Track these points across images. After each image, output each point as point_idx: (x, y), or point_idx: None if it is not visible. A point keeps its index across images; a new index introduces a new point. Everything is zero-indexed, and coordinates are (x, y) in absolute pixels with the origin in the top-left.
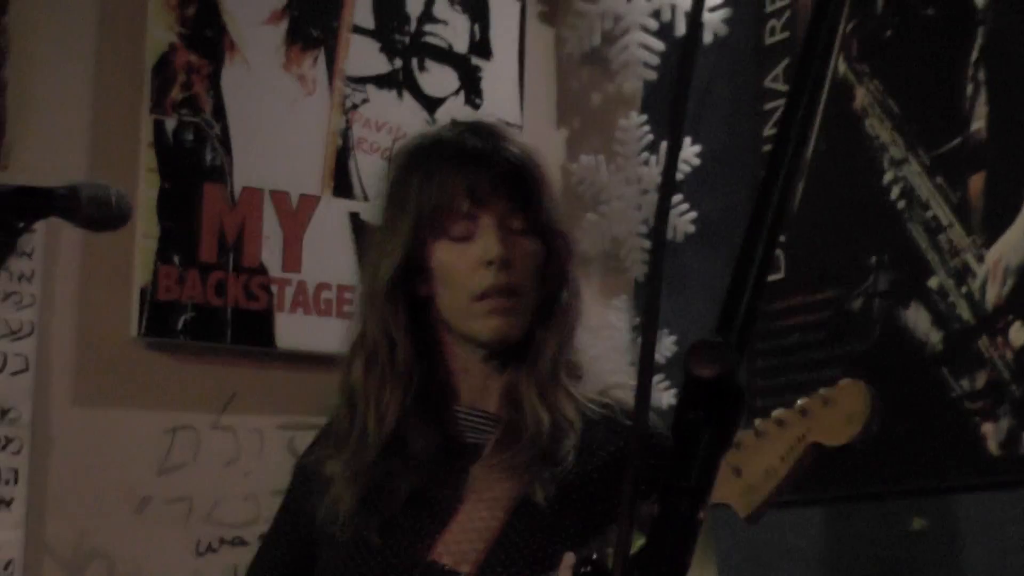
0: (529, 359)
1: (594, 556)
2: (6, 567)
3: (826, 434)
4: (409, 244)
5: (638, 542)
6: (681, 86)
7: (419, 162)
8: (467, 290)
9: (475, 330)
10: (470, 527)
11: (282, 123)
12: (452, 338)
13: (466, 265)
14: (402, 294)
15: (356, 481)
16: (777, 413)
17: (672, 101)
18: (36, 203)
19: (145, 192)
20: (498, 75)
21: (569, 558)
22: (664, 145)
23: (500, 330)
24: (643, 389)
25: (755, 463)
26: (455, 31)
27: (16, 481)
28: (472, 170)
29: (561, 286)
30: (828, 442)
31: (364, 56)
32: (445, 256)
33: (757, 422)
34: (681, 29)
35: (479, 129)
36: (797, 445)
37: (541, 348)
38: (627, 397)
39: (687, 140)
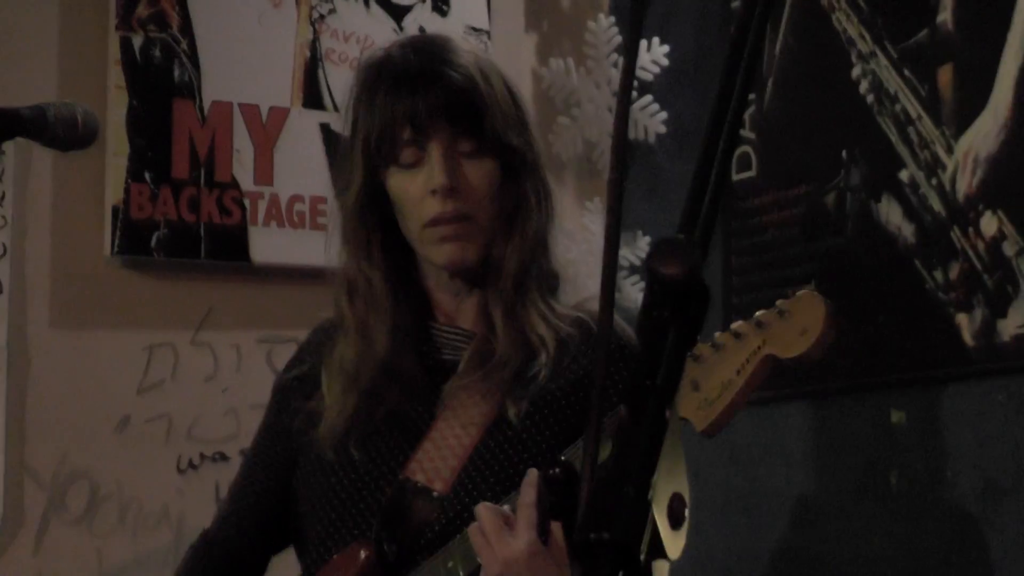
0: (492, 278)
1: (563, 458)
2: None
3: (781, 346)
4: (365, 172)
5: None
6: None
7: (366, 87)
8: (418, 217)
9: (431, 255)
10: (443, 445)
11: (250, 36)
12: (420, 260)
13: (415, 193)
14: (373, 219)
15: (343, 393)
16: (735, 326)
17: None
18: (2, 124)
19: (114, 110)
20: None
21: (532, 474)
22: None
23: (453, 256)
24: (608, 293)
25: (713, 376)
26: None
27: None
28: (411, 96)
29: (520, 203)
30: (782, 354)
31: None
32: (396, 183)
33: (716, 335)
34: None
35: (423, 48)
36: (753, 357)
37: (503, 264)
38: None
39: (656, 40)
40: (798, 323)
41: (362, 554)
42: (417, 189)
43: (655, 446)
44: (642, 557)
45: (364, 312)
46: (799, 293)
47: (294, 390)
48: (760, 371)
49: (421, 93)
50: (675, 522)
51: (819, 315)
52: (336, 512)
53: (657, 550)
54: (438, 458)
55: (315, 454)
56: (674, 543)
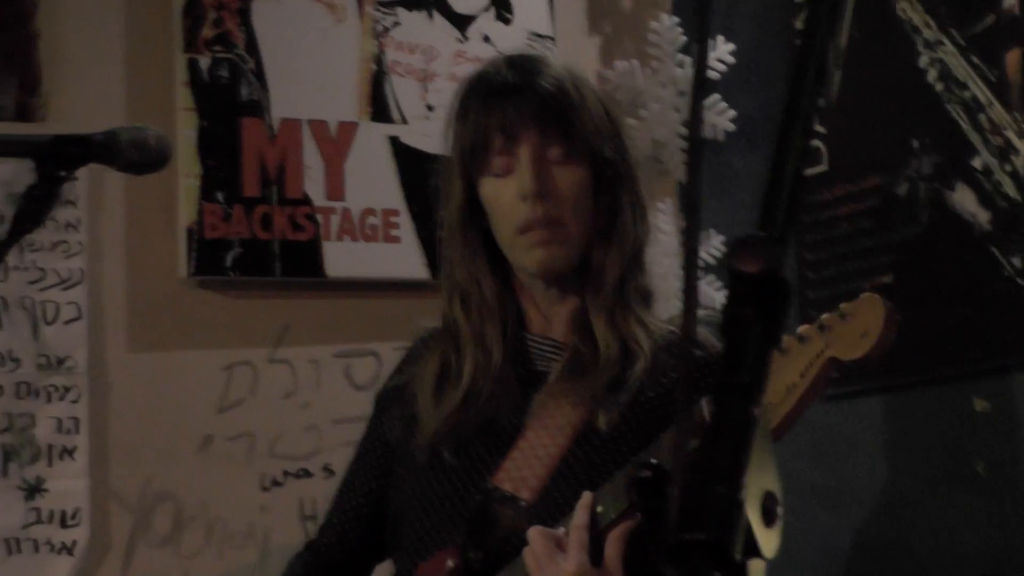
0: (592, 285)
1: (652, 460)
2: (73, 516)
3: (842, 348)
4: (462, 184)
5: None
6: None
7: (462, 103)
8: (510, 223)
9: (523, 262)
10: (532, 454)
11: (315, 53)
12: (514, 267)
13: (507, 200)
14: (474, 230)
15: (442, 399)
16: (801, 329)
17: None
18: (76, 151)
19: (184, 131)
20: None
21: (586, 496)
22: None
23: (544, 262)
24: (690, 291)
25: (778, 380)
26: None
27: (77, 430)
28: (501, 105)
29: (616, 209)
30: (844, 356)
31: None
32: (489, 192)
33: (784, 339)
34: None
35: (516, 62)
36: (816, 360)
37: (603, 273)
38: (699, 330)
39: (720, 39)
40: (859, 325)
41: (448, 563)
42: (509, 196)
43: (745, 444)
44: (737, 557)
45: (479, 321)
46: (861, 296)
47: (393, 399)
48: (823, 374)
49: (512, 102)
50: (768, 520)
51: (879, 317)
52: (427, 518)
53: (752, 549)
54: (526, 467)
55: (410, 461)
56: (768, 541)
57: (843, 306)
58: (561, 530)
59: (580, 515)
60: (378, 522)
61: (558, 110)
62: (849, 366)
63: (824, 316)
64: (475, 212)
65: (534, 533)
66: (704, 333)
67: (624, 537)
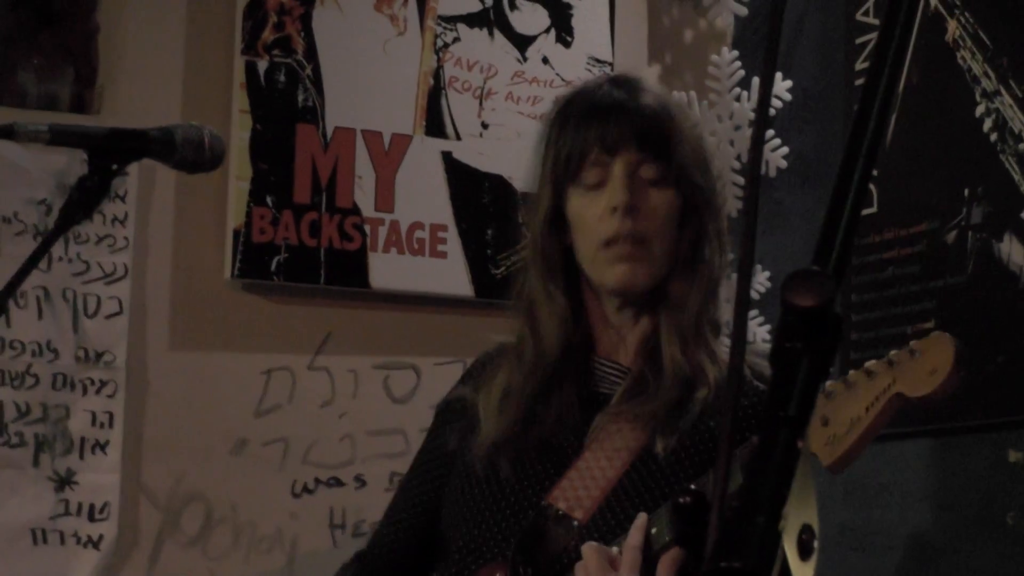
0: (670, 310)
1: (693, 486)
2: (102, 510)
3: (910, 385)
4: (551, 194)
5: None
6: (774, 21)
7: (560, 114)
8: (595, 237)
9: (603, 277)
10: (588, 475)
11: (374, 63)
12: (591, 288)
13: (595, 212)
14: (555, 243)
15: (503, 411)
16: (868, 364)
17: (765, 36)
18: (130, 145)
19: (238, 134)
20: (589, 12)
21: (641, 517)
22: (756, 80)
23: (625, 277)
24: (740, 324)
25: (842, 412)
26: None
27: (111, 425)
28: (603, 119)
29: (701, 239)
30: (911, 392)
31: None
32: (578, 203)
33: (850, 373)
34: None
35: (620, 81)
36: (882, 395)
37: (682, 301)
38: (760, 361)
39: (779, 75)
40: (928, 363)
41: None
42: (598, 209)
43: (787, 476)
44: None
45: (544, 322)
46: (932, 334)
47: (453, 411)
48: (889, 409)
49: (614, 117)
50: (804, 553)
51: (949, 355)
52: (478, 530)
53: None
54: (581, 487)
55: (466, 472)
56: (803, 574)
57: (913, 343)
58: (615, 549)
59: (634, 535)
60: (430, 535)
61: (658, 131)
62: (916, 404)
63: (893, 352)
64: (559, 225)
65: (588, 549)
66: (764, 365)
67: (677, 561)
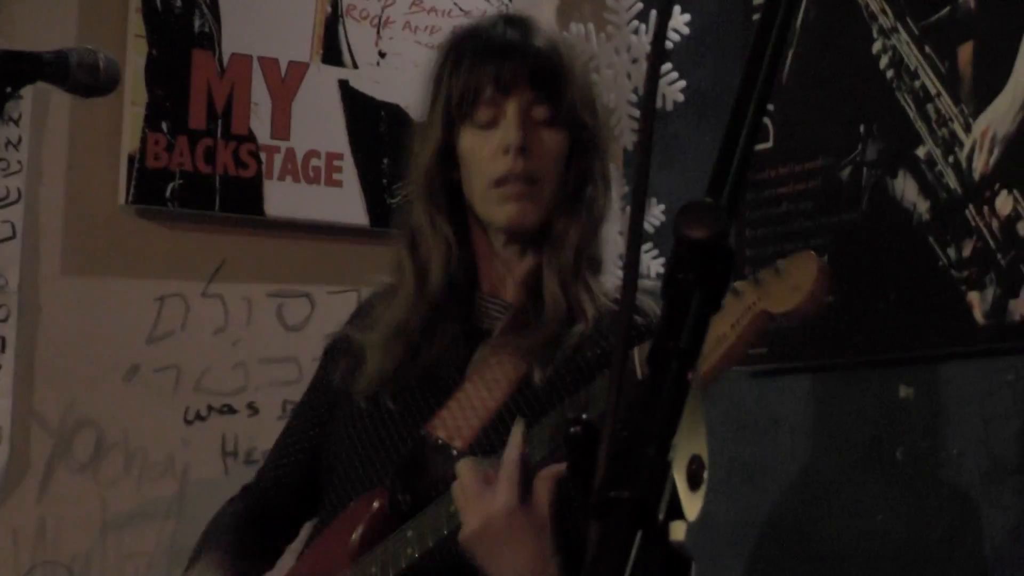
0: (551, 248)
1: (583, 416)
2: None
3: (774, 301)
4: (442, 130)
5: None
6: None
7: (453, 52)
8: (487, 175)
9: (493, 215)
10: (468, 405)
11: None
12: (477, 224)
13: (487, 151)
14: (440, 180)
15: (388, 347)
16: (736, 284)
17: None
18: (24, 68)
19: (133, 59)
20: None
21: (517, 433)
22: (654, 14)
23: (515, 216)
24: (633, 257)
25: (710, 332)
26: None
27: (3, 349)
28: (499, 59)
29: (586, 179)
30: (775, 309)
31: None
32: (469, 142)
33: None
34: None
35: (515, 21)
36: (747, 312)
37: (563, 238)
38: (642, 298)
39: (676, 8)
40: (792, 280)
41: (375, 503)
42: (490, 148)
43: (677, 408)
44: (660, 517)
45: (427, 255)
46: (796, 253)
47: (341, 349)
48: (753, 327)
49: (508, 58)
50: (694, 484)
51: (811, 272)
52: (360, 460)
53: (675, 511)
54: (461, 417)
55: (350, 406)
56: (692, 504)
57: (779, 262)
58: (488, 466)
59: (511, 451)
60: (316, 469)
61: (551, 72)
62: (781, 320)
63: (761, 271)
64: (447, 161)
65: (463, 467)
66: (647, 302)
67: (554, 478)
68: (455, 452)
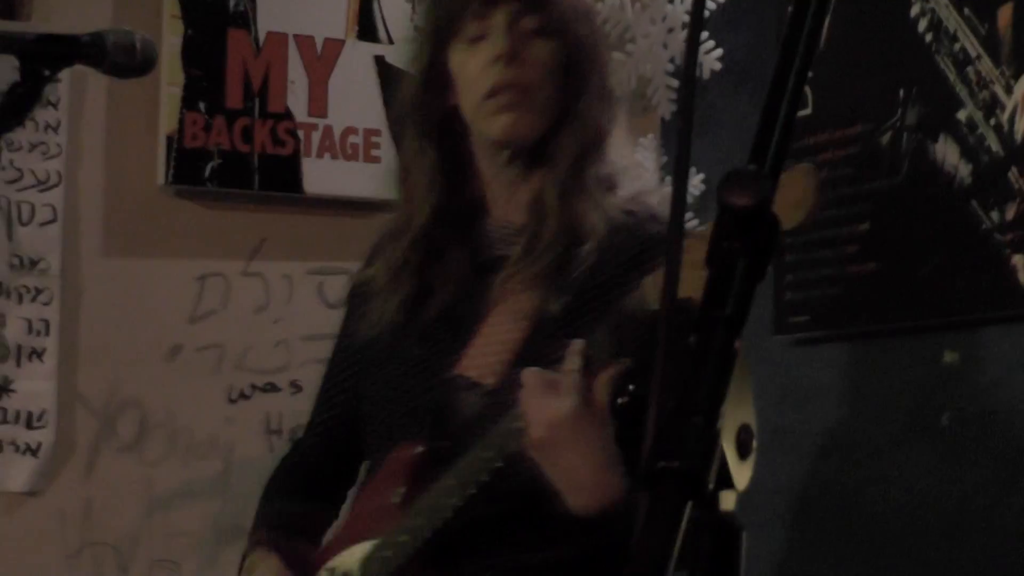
0: (550, 163)
1: (631, 387)
2: (39, 418)
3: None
4: (430, 50)
5: None
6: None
7: None
8: (478, 89)
9: (487, 129)
10: (494, 339)
11: None
12: (477, 146)
13: (477, 64)
14: (433, 101)
15: (395, 287)
16: None
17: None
18: (61, 51)
19: (169, 39)
20: None
21: (577, 343)
22: None
23: (509, 127)
24: (676, 227)
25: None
26: None
27: (47, 332)
28: None
29: (582, 91)
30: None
31: None
32: (459, 57)
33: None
34: None
35: None
36: None
37: (560, 150)
38: (657, 204)
39: None
40: (789, 196)
41: (414, 452)
42: (479, 61)
43: (724, 376)
44: (710, 487)
45: (413, 186)
46: (792, 167)
47: (360, 294)
48: None
49: None
50: (743, 452)
51: (809, 185)
52: (394, 410)
53: (725, 480)
54: (490, 353)
55: (375, 351)
56: (741, 473)
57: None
58: (555, 375)
59: (573, 360)
60: (357, 418)
61: None
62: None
63: None
64: (437, 84)
65: (528, 374)
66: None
67: (612, 381)
68: (487, 389)
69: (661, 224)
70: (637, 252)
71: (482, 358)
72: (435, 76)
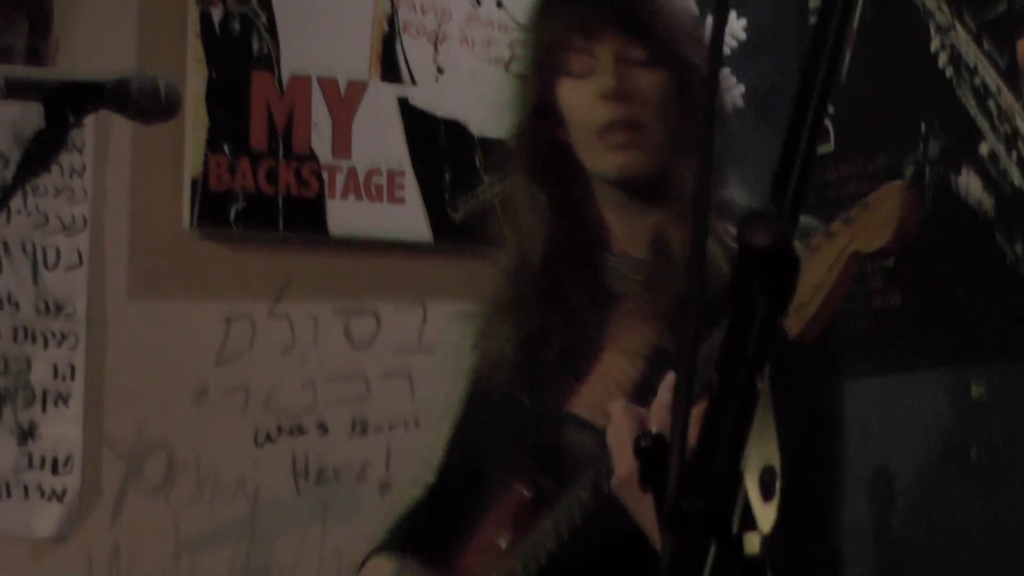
0: (672, 197)
1: (654, 431)
2: (65, 463)
3: (864, 240)
4: (537, 87)
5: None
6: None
7: (541, 6)
8: (589, 126)
9: (601, 167)
10: (608, 377)
11: (328, 9)
12: (592, 181)
13: (586, 101)
14: (542, 140)
15: (514, 327)
16: (831, 226)
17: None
18: (86, 96)
19: (193, 82)
20: None
21: (670, 377)
22: (710, 19)
23: (624, 165)
24: (698, 267)
25: (806, 280)
26: None
27: (73, 376)
28: (582, 4)
29: (695, 116)
30: (865, 248)
31: None
32: (567, 93)
33: (814, 238)
34: None
35: None
36: (842, 255)
37: (680, 183)
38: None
39: (733, 13)
40: (878, 215)
41: (521, 496)
42: (587, 97)
43: (747, 416)
44: (734, 529)
45: (525, 226)
46: (885, 185)
47: (480, 334)
48: (849, 269)
49: (592, 2)
50: (767, 493)
51: (896, 204)
52: (506, 450)
53: (748, 522)
54: (603, 391)
55: (494, 395)
56: (765, 515)
57: (868, 197)
58: (644, 410)
59: (663, 394)
60: (479, 465)
61: (639, 11)
62: (874, 256)
63: (851, 209)
64: (545, 120)
65: (617, 408)
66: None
67: (699, 417)
68: (600, 430)
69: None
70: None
71: (595, 396)
72: (543, 113)
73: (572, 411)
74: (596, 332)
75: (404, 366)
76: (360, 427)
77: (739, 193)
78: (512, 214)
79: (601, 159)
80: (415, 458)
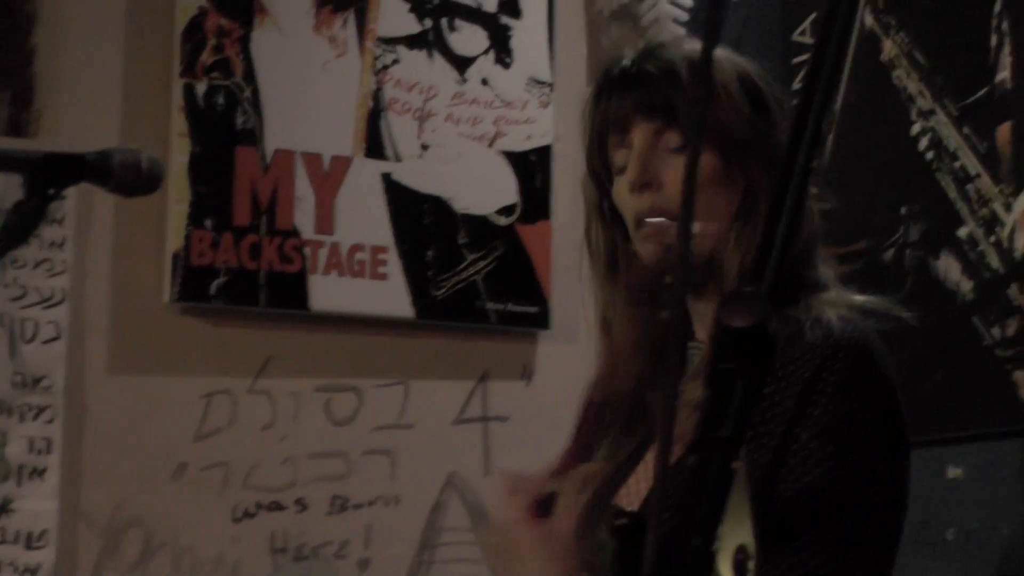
0: (720, 277)
1: (629, 510)
2: (40, 537)
3: None
4: (593, 190)
5: None
6: (709, 43)
7: (588, 100)
8: (629, 219)
9: (643, 258)
10: (651, 464)
11: (313, 85)
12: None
13: (625, 194)
14: (610, 243)
15: (609, 452)
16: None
17: (699, 58)
18: (67, 169)
19: (176, 157)
20: (528, 33)
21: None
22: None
23: (652, 257)
24: (678, 313)
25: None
26: None
27: (49, 450)
28: (610, 98)
29: (756, 193)
30: None
31: (394, 17)
32: (616, 188)
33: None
34: None
35: (637, 51)
36: None
37: (725, 270)
38: (836, 318)
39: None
40: None
41: None
42: (624, 191)
43: (722, 497)
44: None
45: (619, 336)
46: None
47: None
48: None
49: (616, 94)
50: (740, 574)
51: None
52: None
53: None
54: (644, 480)
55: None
56: None
57: None
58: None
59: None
60: None
61: (664, 96)
62: None
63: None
64: (608, 220)
65: (498, 475)
66: (849, 318)
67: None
68: (625, 511)
69: (837, 339)
70: (810, 376)
71: (637, 485)
72: (604, 214)
73: (616, 502)
74: (653, 421)
75: (385, 443)
76: (340, 504)
77: None
78: (604, 325)
79: (641, 251)
80: (395, 535)
